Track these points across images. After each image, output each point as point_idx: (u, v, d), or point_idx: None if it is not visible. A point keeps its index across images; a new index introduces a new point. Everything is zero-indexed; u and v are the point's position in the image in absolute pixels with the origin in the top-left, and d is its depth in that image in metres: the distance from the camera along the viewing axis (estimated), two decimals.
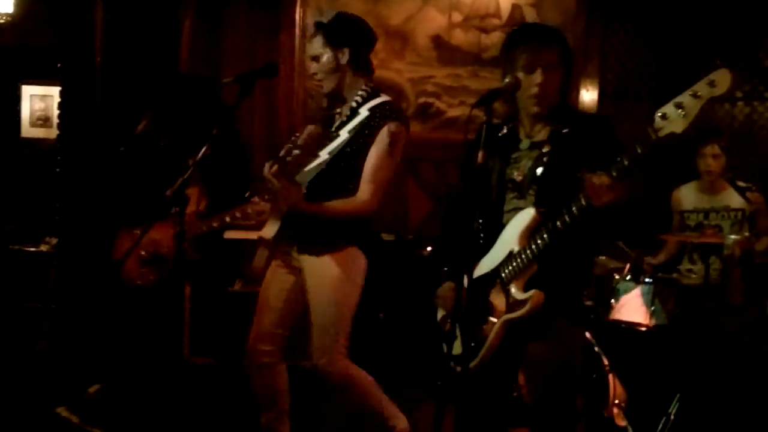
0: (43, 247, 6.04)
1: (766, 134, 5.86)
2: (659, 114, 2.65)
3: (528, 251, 3.00)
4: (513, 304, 3.04)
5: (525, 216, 3.05)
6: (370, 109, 3.60)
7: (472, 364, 3.12)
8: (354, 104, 3.67)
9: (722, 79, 2.58)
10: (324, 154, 3.50)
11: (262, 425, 3.84)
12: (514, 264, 3.05)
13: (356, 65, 3.69)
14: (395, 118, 3.61)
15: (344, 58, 3.65)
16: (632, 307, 4.65)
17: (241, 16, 6.19)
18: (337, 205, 3.58)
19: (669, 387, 4.22)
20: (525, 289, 3.02)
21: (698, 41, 5.79)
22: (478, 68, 6.08)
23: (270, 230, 3.58)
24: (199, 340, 5.21)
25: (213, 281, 4.53)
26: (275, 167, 3.44)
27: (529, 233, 3.02)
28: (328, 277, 3.63)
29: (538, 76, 3.04)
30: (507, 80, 3.20)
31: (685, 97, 2.62)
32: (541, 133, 3.14)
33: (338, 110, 3.76)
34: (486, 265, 3.17)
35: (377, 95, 3.70)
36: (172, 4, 6.07)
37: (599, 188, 2.76)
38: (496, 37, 6.04)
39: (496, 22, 6.08)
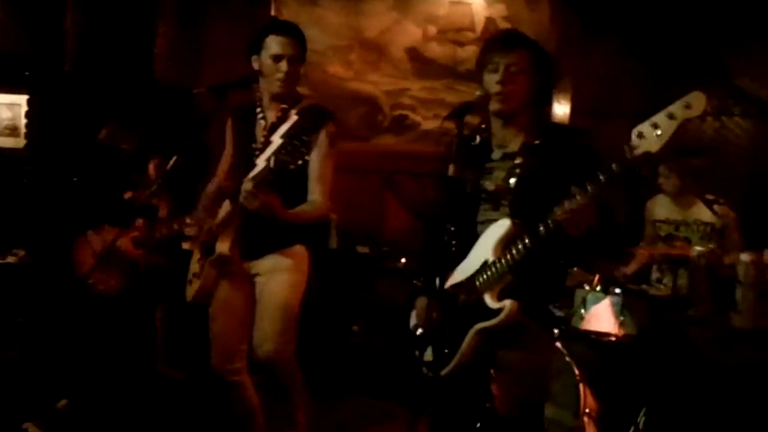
0: (11, 259, 5.97)
1: (734, 149, 5.93)
2: (636, 132, 2.70)
3: (503, 261, 3.02)
4: (487, 313, 3.05)
5: (500, 227, 3.08)
6: (299, 113, 3.66)
7: (444, 371, 3.14)
8: (285, 106, 3.73)
9: (697, 101, 2.64)
10: (261, 161, 3.52)
11: None
12: (489, 273, 3.07)
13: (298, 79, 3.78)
14: (330, 118, 3.73)
15: (299, 74, 3.75)
16: (602, 317, 4.70)
17: (220, 24, 6.20)
18: (305, 209, 3.67)
19: (639, 397, 4.26)
20: (499, 299, 3.04)
21: (671, 59, 5.84)
22: (453, 81, 6.14)
23: (225, 245, 3.65)
24: (171, 351, 5.19)
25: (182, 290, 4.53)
26: (252, 183, 3.47)
27: (504, 244, 3.05)
28: (275, 274, 3.71)
29: (500, 75, 3.09)
30: (478, 93, 3.26)
31: (660, 118, 2.67)
32: (513, 144, 3.17)
33: (260, 109, 3.79)
34: (461, 273, 3.19)
35: (300, 99, 3.78)
36: (149, 11, 6.05)
37: (573, 215, 2.81)
38: (471, 51, 6.09)
39: (470, 35, 6.14)
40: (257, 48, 3.70)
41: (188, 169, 3.75)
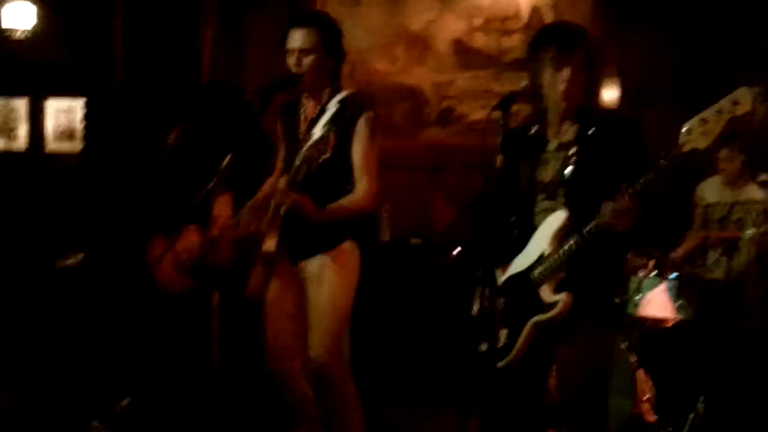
0: (69, 261, 6.05)
1: None
2: (684, 129, 2.70)
3: (558, 254, 3.01)
4: (543, 306, 3.06)
5: (556, 218, 3.06)
6: (340, 101, 3.60)
7: (500, 364, 3.13)
8: (323, 99, 3.66)
9: (744, 97, 2.63)
10: (302, 155, 3.49)
11: None
12: (545, 266, 3.06)
13: (335, 72, 3.72)
14: (368, 107, 3.64)
15: (330, 63, 3.66)
16: (658, 303, 4.67)
17: (262, 24, 6.22)
18: (344, 204, 3.59)
19: (696, 382, 4.23)
20: (555, 292, 3.03)
21: (711, 47, 5.78)
22: (499, 71, 6.13)
23: (271, 243, 3.60)
24: (228, 349, 5.25)
25: (241, 288, 4.59)
26: (286, 181, 3.49)
27: (560, 236, 3.03)
28: (323, 277, 3.64)
29: (565, 74, 3.04)
30: (524, 83, 3.25)
31: (709, 114, 2.67)
32: (568, 134, 3.14)
33: (302, 105, 3.75)
34: (518, 265, 3.18)
35: (340, 90, 3.69)
36: (193, 14, 6.11)
37: (619, 216, 2.82)
38: (516, 40, 6.10)
39: (516, 24, 6.13)
40: (283, 44, 3.68)
41: (249, 166, 3.76)
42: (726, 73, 5.59)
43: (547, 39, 3.14)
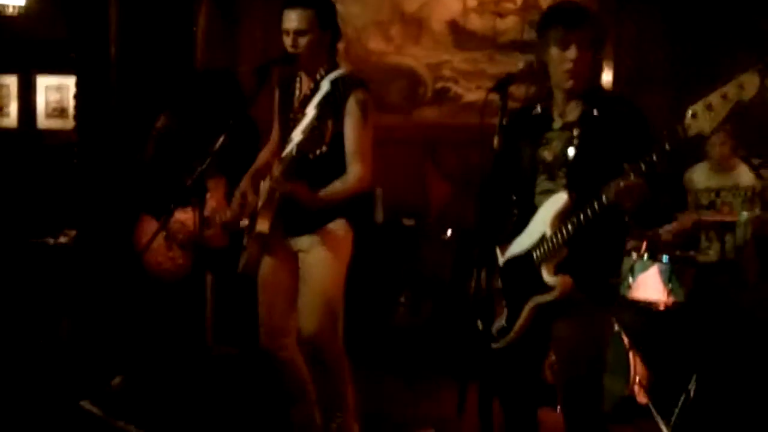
0: (63, 239, 6.03)
1: None
2: (690, 113, 2.69)
3: (559, 235, 3.02)
4: (543, 287, 3.08)
5: (557, 200, 3.07)
6: (332, 82, 3.62)
7: (499, 344, 3.19)
8: (318, 77, 3.67)
9: (750, 82, 2.62)
10: (297, 134, 3.52)
11: (293, 417, 3.89)
12: (546, 247, 3.06)
13: (331, 50, 3.72)
14: (359, 85, 3.63)
15: (326, 41, 3.66)
16: (650, 285, 4.69)
17: (257, 6, 6.22)
18: (338, 187, 3.60)
19: (689, 364, 4.26)
20: (555, 273, 3.05)
21: (707, 28, 5.77)
22: (494, 52, 6.12)
23: (264, 224, 3.60)
24: (222, 328, 5.25)
25: (235, 268, 4.60)
26: (280, 169, 3.50)
27: (561, 217, 3.03)
28: (315, 252, 3.66)
29: (572, 52, 3.03)
30: (521, 65, 3.25)
31: (714, 98, 2.65)
32: (573, 113, 3.14)
33: (298, 79, 3.77)
34: (519, 246, 3.20)
35: (336, 68, 3.70)
36: None
37: (627, 192, 2.82)
38: (511, 22, 6.10)
39: (511, 6, 6.12)
40: (280, 23, 3.69)
41: (239, 149, 3.77)
42: (723, 54, 5.61)
43: (553, 18, 3.13)
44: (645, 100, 5.75)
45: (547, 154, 3.15)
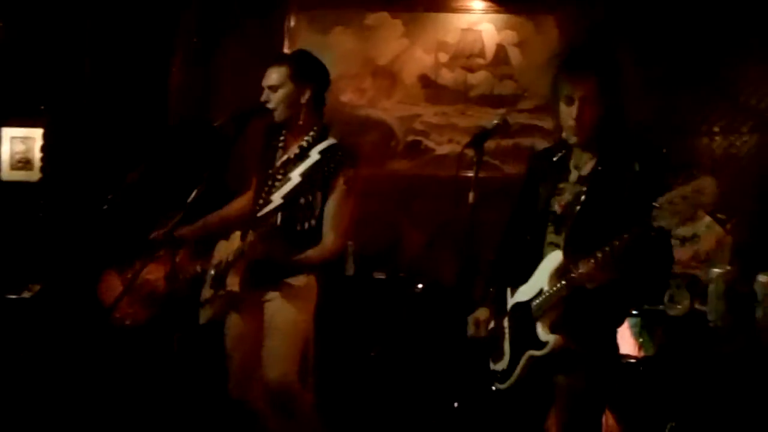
0: (26, 294, 5.91)
1: (743, 168, 5.96)
2: (656, 205, 2.72)
3: (552, 293, 3.05)
4: (537, 342, 3.10)
5: (555, 257, 3.10)
6: (321, 153, 3.68)
7: (502, 386, 3.23)
8: (305, 144, 3.74)
9: (708, 189, 2.68)
10: (277, 198, 3.60)
11: None
12: (541, 302, 3.09)
13: (314, 105, 3.78)
14: (349, 165, 3.70)
15: (305, 96, 3.74)
16: (621, 339, 4.69)
17: (232, 58, 6.25)
18: (311, 255, 3.69)
19: (660, 418, 4.26)
20: (551, 329, 3.07)
21: (678, 74, 5.89)
22: (465, 106, 6.20)
23: (235, 283, 3.69)
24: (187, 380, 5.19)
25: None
26: (259, 233, 3.55)
27: (557, 276, 3.06)
28: (281, 301, 3.71)
29: (574, 109, 3.05)
30: (495, 121, 3.31)
31: (676, 197, 2.69)
32: (587, 167, 3.15)
33: (281, 141, 3.82)
34: (522, 294, 3.23)
35: (326, 137, 3.78)
36: (163, 45, 6.11)
37: (587, 275, 2.92)
38: (482, 76, 6.20)
39: (481, 61, 6.22)
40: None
41: (210, 201, 3.79)
42: (694, 100, 5.79)
43: (561, 71, 3.16)
44: None
45: (557, 207, 3.16)
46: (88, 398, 4.92)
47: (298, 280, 3.73)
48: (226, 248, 3.85)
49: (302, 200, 3.55)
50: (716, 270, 4.39)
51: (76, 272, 5.26)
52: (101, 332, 4.71)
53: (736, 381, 4.03)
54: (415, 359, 5.33)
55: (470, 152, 3.36)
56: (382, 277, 5.79)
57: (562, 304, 3.05)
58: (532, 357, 3.11)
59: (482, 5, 6.20)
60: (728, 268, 4.42)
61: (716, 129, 6.00)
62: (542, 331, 3.08)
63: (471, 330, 3.37)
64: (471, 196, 3.17)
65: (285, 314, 3.71)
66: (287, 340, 3.71)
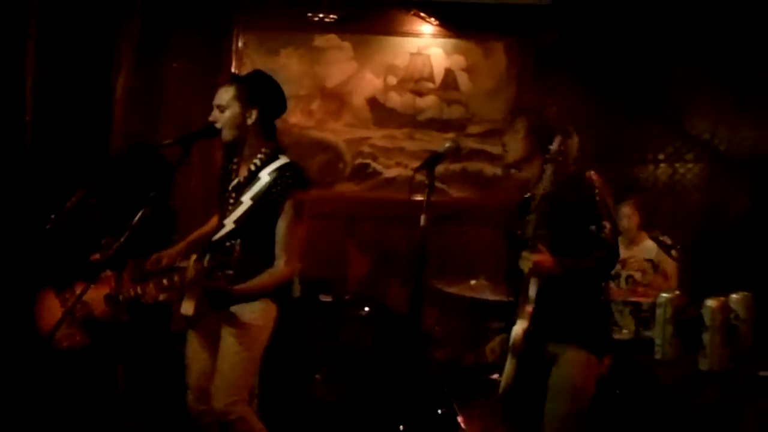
0: None
1: (687, 194, 6.08)
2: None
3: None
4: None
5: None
6: (271, 174, 3.66)
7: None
8: (253, 167, 3.71)
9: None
10: (230, 223, 3.61)
11: None
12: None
13: (261, 127, 3.74)
14: (298, 187, 3.68)
15: (251, 118, 3.69)
16: None
17: (179, 73, 6.20)
18: (263, 281, 3.67)
19: None
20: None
21: (625, 100, 6.00)
22: (413, 130, 6.24)
23: (188, 307, 3.62)
24: (132, 404, 5.11)
25: (143, 343, 4.48)
26: (200, 264, 3.57)
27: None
28: (235, 325, 3.68)
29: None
30: (447, 145, 3.35)
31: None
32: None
33: (234, 164, 3.81)
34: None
35: (277, 157, 3.74)
36: (107, 62, 6.03)
37: (536, 265, 3.23)
38: (430, 100, 6.24)
39: (430, 85, 6.26)
40: None
41: (154, 223, 3.72)
42: (641, 126, 5.90)
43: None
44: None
45: (528, 231, 3.41)
46: (25, 422, 4.79)
47: (252, 309, 3.69)
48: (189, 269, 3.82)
49: (256, 223, 3.52)
50: (664, 295, 4.45)
51: (13, 292, 5.12)
52: (38, 354, 4.58)
53: (678, 410, 4.09)
54: (362, 383, 5.30)
55: (421, 176, 3.39)
56: (329, 299, 5.76)
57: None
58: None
59: (431, 29, 6.23)
60: (676, 292, 4.49)
61: (661, 156, 6.11)
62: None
63: (490, 358, 3.66)
64: (423, 219, 3.19)
65: (234, 346, 3.68)
66: (236, 371, 3.68)
